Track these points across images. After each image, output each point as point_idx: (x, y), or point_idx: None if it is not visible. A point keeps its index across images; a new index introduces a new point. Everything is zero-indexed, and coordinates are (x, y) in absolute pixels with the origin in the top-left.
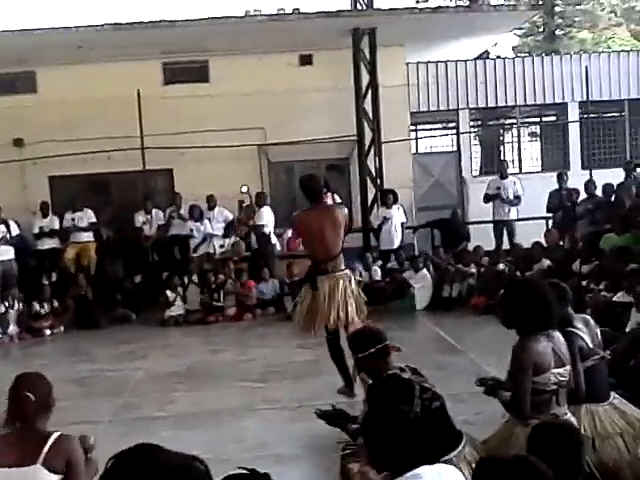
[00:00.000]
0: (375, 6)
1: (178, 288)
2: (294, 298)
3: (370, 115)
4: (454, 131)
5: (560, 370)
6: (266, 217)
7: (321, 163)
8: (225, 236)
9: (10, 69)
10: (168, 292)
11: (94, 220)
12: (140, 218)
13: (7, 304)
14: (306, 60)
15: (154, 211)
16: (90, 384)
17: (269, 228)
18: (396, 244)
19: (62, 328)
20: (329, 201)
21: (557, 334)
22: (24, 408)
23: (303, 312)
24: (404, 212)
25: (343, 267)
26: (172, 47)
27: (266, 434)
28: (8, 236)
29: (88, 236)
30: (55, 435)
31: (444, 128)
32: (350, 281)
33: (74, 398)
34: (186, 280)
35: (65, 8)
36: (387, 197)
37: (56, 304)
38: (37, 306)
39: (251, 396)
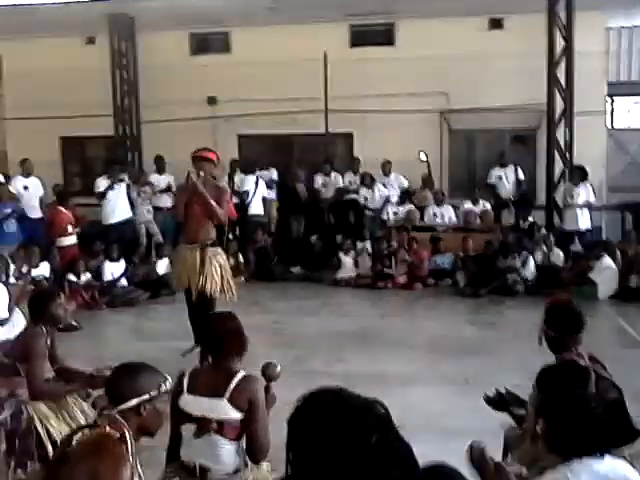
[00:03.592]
0: None
1: (350, 251)
2: (467, 273)
3: (563, 84)
4: None
5: None
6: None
7: (505, 133)
8: (400, 203)
9: (206, 29)
10: (341, 254)
11: (276, 179)
12: (319, 180)
13: None
14: (496, 24)
15: (333, 174)
16: (265, 333)
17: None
18: (581, 226)
19: (243, 278)
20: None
21: None
22: (214, 346)
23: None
24: (593, 191)
25: None
26: (360, 9)
27: (432, 405)
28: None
29: (271, 194)
30: (241, 374)
31: None
32: None
33: (251, 346)
34: (359, 244)
35: None
36: (575, 174)
37: (240, 257)
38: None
39: (419, 365)
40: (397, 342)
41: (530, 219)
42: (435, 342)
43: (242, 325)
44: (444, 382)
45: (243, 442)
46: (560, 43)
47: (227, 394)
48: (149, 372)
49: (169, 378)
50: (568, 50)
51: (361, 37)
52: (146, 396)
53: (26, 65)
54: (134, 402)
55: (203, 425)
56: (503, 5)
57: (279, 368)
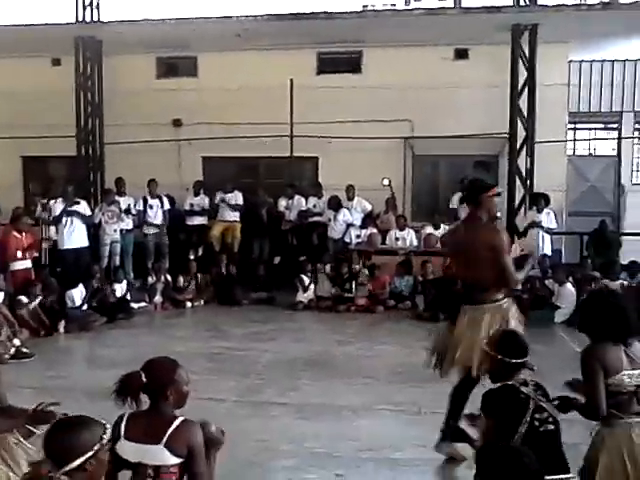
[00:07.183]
0: (539, 2)
1: (310, 274)
2: (426, 298)
3: (525, 113)
4: (616, 134)
5: (636, 372)
6: None
7: (468, 159)
8: (362, 227)
9: (173, 53)
10: (303, 276)
11: (241, 202)
12: (283, 203)
13: (155, 276)
14: (462, 54)
15: (296, 197)
16: (221, 361)
17: None
18: (542, 251)
19: (202, 302)
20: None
21: (635, 342)
22: (131, 385)
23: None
24: (555, 218)
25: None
26: (328, 38)
27: (383, 436)
28: (161, 211)
29: (235, 216)
30: (179, 420)
31: (605, 129)
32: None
33: (205, 373)
34: (320, 267)
35: None
36: (539, 200)
37: (200, 279)
38: (182, 280)
39: (373, 395)
40: (353, 370)
41: None
42: (391, 370)
43: (175, 372)
44: (397, 412)
45: None
46: (523, 74)
47: (164, 440)
48: (89, 425)
49: (109, 427)
50: (530, 81)
51: (328, 64)
52: (90, 453)
53: None
54: (78, 462)
55: (139, 471)
56: (469, 36)
57: (214, 428)
